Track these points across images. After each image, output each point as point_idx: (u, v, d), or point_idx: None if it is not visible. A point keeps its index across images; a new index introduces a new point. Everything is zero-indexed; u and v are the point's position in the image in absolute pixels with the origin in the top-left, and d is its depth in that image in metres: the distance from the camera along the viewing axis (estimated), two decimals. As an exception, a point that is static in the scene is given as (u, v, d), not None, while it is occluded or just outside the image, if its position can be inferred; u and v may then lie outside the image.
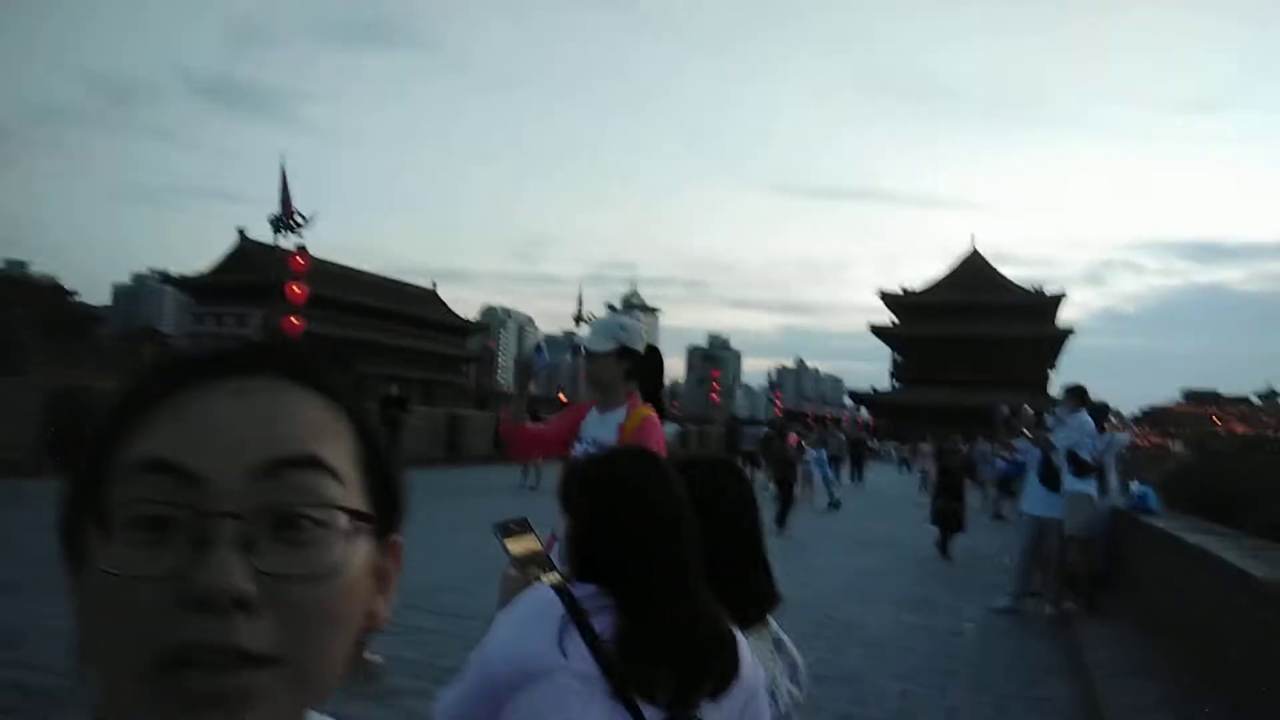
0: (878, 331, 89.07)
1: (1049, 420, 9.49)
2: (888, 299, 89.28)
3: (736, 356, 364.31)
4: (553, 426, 3.59)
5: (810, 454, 19.37)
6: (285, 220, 24.36)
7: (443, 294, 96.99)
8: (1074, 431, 8.46)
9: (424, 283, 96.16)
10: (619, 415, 3.21)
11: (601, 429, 3.20)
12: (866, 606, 8.65)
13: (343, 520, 0.51)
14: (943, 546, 12.49)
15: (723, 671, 1.42)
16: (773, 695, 1.61)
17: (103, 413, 0.54)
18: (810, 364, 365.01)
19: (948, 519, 12.63)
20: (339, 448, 0.53)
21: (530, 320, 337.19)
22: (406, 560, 0.60)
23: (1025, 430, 10.33)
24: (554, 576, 1.67)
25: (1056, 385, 62.06)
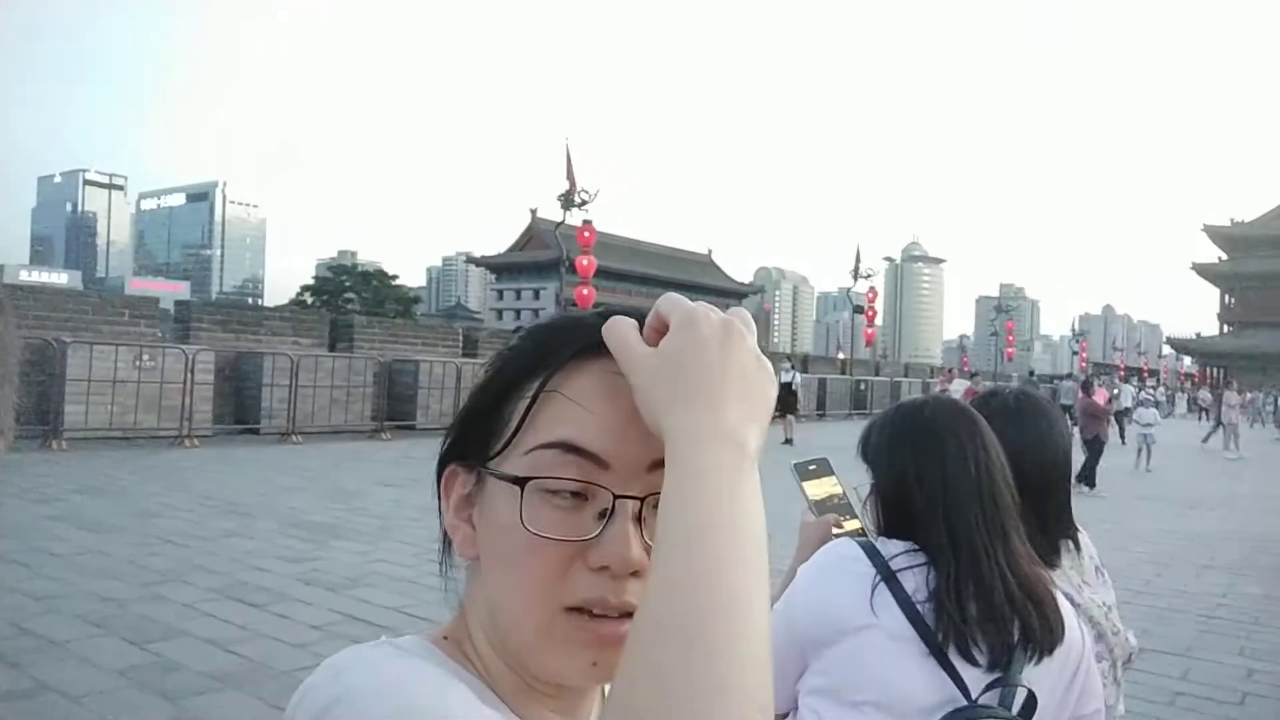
0: (1201, 270, 79.79)
1: None
2: (1213, 232, 79.54)
3: (1033, 306, 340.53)
4: None
5: (1144, 414, 17.39)
6: (571, 198, 25.67)
7: (718, 259, 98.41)
8: None
9: (700, 249, 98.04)
10: None
11: None
12: (1197, 574, 7.79)
13: None
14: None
15: (1045, 633, 1.30)
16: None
17: (497, 376, 0.61)
18: (1119, 310, 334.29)
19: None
20: None
21: (804, 280, 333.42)
22: None
23: None
24: (854, 523, 1.58)
25: None
